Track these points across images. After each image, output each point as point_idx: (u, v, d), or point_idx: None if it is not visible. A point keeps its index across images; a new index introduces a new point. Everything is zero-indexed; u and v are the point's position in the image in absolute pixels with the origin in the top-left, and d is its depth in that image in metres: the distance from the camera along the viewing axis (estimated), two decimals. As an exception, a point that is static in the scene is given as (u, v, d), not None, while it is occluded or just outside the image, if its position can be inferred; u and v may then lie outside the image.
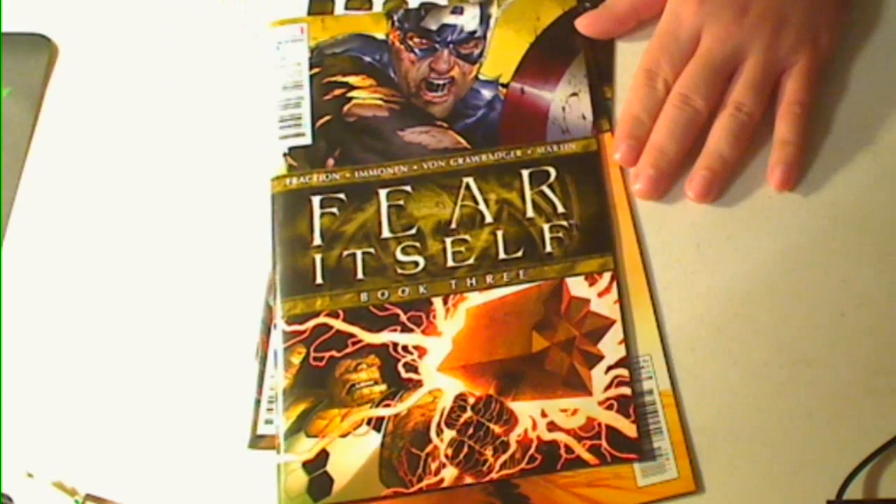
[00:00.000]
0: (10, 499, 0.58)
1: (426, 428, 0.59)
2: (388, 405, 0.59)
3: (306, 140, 0.66)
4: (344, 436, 0.58)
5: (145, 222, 0.66)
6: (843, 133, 0.66)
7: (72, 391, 0.62)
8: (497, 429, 0.58)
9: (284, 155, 0.65)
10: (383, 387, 0.59)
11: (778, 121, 0.65)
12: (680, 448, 0.58)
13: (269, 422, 0.60)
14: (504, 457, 0.58)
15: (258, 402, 0.60)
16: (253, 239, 0.64)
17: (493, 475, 0.57)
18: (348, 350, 0.60)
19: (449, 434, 0.58)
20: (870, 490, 0.58)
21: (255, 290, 0.63)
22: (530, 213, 0.64)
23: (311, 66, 0.68)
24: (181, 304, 0.63)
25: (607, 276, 0.62)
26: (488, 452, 0.58)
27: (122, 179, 0.67)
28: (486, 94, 0.67)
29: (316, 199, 0.64)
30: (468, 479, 0.57)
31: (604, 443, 0.58)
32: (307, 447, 0.58)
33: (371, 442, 0.58)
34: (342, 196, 0.64)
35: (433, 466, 0.58)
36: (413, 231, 0.63)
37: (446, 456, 0.58)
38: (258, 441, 0.60)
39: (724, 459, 0.59)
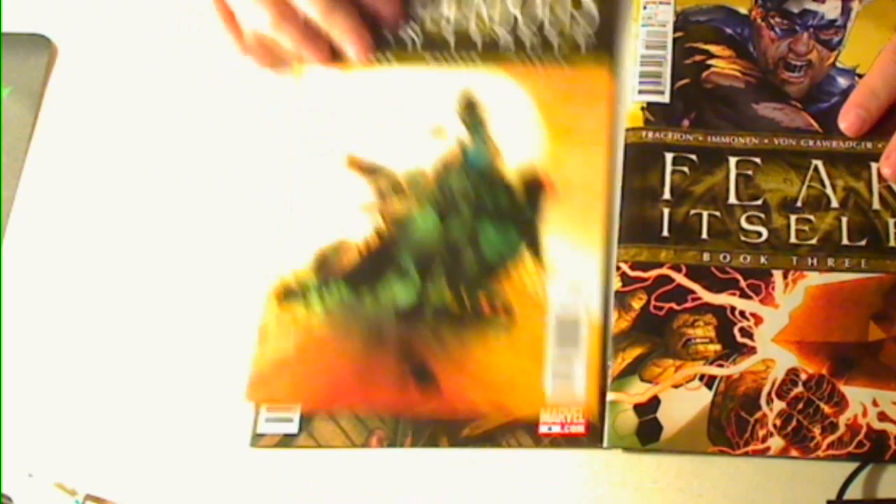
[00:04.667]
0: (10, 499, 0.58)
1: (757, 395, 0.59)
2: (721, 365, 0.60)
3: (664, 98, 0.68)
4: (676, 386, 0.60)
5: (145, 221, 0.66)
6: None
7: (72, 391, 0.62)
8: (827, 409, 0.59)
9: (642, 109, 0.67)
10: (718, 346, 0.61)
11: None
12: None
13: (269, 420, 0.60)
14: (832, 437, 0.58)
15: (259, 400, 0.61)
16: (254, 237, 0.64)
17: (820, 453, 0.58)
18: (688, 305, 0.62)
19: (779, 405, 0.59)
20: (870, 490, 0.58)
21: (255, 289, 0.63)
22: (876, 205, 0.64)
23: (676, 30, 0.70)
24: (181, 303, 0.63)
25: None
26: (816, 430, 0.59)
27: (122, 178, 0.67)
28: (843, 81, 0.68)
29: (669, 156, 0.66)
30: (794, 452, 0.58)
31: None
32: (640, 390, 0.60)
33: (702, 398, 0.59)
34: (694, 157, 0.66)
35: (760, 433, 0.59)
36: (759, 202, 0.64)
37: (774, 426, 0.59)
38: (259, 440, 0.60)
39: (724, 459, 0.59)
